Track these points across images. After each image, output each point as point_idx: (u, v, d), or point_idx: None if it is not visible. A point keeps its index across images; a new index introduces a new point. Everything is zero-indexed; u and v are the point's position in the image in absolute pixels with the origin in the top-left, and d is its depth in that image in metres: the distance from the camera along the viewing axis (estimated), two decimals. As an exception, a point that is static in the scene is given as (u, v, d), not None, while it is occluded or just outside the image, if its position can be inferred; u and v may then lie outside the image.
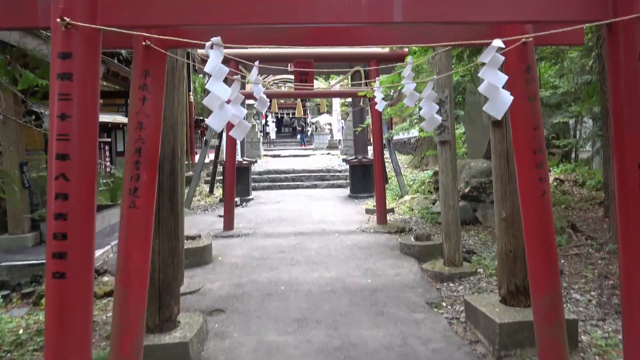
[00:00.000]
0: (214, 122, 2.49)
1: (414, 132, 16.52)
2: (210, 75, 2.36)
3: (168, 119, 3.46)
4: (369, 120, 10.91)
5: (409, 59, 3.95)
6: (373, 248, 6.44)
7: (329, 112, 35.07)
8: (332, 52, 7.66)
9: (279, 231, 7.86)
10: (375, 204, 9.72)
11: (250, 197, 11.81)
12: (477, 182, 8.06)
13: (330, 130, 27.86)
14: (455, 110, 9.37)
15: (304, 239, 7.16)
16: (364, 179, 11.67)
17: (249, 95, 10.93)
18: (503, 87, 2.19)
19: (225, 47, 2.20)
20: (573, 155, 12.92)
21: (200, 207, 10.86)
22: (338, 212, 9.68)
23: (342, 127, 12.61)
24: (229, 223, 7.86)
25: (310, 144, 29.55)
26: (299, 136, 30.98)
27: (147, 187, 2.63)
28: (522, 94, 2.52)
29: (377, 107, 5.68)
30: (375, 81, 6.34)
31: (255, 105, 5.30)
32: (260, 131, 33.39)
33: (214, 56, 2.42)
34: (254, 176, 14.48)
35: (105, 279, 5.69)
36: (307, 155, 22.19)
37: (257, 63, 4.89)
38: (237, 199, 10.87)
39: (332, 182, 14.26)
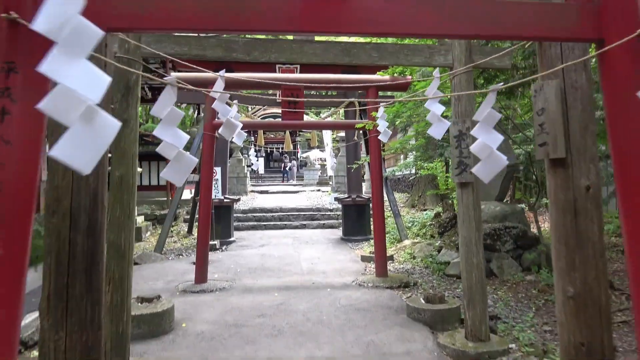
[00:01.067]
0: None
1: (410, 168, 15.65)
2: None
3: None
4: (365, 156, 9.96)
5: (434, 71, 2.97)
6: (374, 311, 5.27)
7: (320, 147, 34.33)
8: (324, 78, 6.72)
9: (260, 284, 6.67)
10: (372, 250, 8.61)
11: (231, 239, 10.61)
12: (491, 228, 7.01)
13: (322, 165, 26.93)
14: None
15: (290, 295, 5.97)
16: (359, 220, 10.58)
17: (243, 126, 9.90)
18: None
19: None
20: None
21: (174, 250, 9.63)
22: (330, 259, 8.52)
23: (334, 163, 11.55)
24: (201, 274, 6.65)
25: (290, 179, 28.75)
26: (295, 170, 30.31)
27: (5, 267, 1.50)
28: None
29: (381, 137, 4.68)
30: (378, 108, 5.38)
31: (219, 131, 4.13)
32: (248, 166, 32.48)
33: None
34: (238, 215, 13.32)
35: (35, 353, 4.44)
36: (297, 192, 21.13)
37: (222, 72, 3.89)
38: (216, 242, 9.69)
39: (322, 222, 13.14)
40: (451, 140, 4.16)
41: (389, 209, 13.21)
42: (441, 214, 10.07)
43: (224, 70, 4.04)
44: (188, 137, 2.12)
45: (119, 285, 3.73)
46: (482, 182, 6.92)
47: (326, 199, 16.73)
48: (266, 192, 21.06)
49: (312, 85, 6.74)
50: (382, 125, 4.28)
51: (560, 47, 2.56)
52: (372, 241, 10.07)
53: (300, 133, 36.56)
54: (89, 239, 2.43)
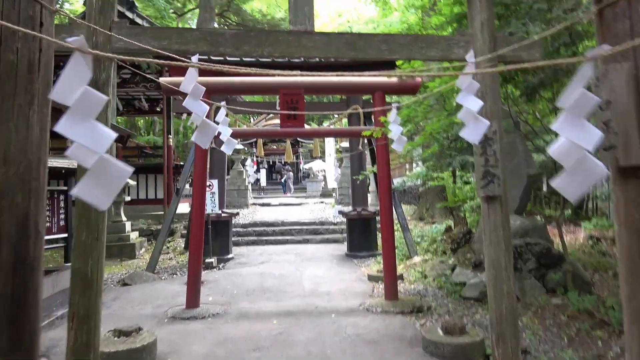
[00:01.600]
0: (86, 192, 1.90)
1: (416, 181, 15.05)
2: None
3: (10, 164, 1.81)
4: (372, 167, 9.39)
5: (468, 55, 2.40)
6: (384, 342, 4.64)
7: (323, 157, 33.79)
8: (326, 81, 6.17)
9: (258, 309, 6.04)
10: (380, 268, 7.98)
11: (230, 255, 10.00)
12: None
13: (324, 177, 26.34)
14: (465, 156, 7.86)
15: (290, 323, 5.34)
16: (364, 235, 9.95)
17: (240, 134, 9.38)
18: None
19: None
20: (591, 206, 11.41)
21: (168, 269, 9.02)
22: (334, 278, 7.89)
23: (338, 175, 10.93)
24: (193, 298, 6.04)
25: (287, 192, 28.35)
26: (291, 183, 29.82)
27: None
28: None
29: (394, 145, 4.10)
30: (386, 114, 4.82)
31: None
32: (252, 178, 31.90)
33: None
34: (238, 229, 12.72)
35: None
36: (299, 204, 20.51)
37: (223, 104, 3.24)
38: (213, 260, 9.09)
39: (326, 236, 12.51)
40: (475, 146, 3.57)
41: (397, 222, 12.60)
42: (452, 228, 9.44)
43: (196, 56, 3.34)
44: (114, 135, 1.69)
45: (84, 320, 3.15)
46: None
47: (330, 211, 16.10)
48: (268, 204, 20.45)
49: (313, 88, 6.20)
50: (396, 131, 3.71)
51: (629, 19, 1.98)
52: (379, 258, 9.44)
53: (303, 144, 36.09)
54: (15, 278, 1.85)
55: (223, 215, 9.74)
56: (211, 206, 9.07)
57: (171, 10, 29.84)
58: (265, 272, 8.48)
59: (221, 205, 9.96)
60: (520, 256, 6.29)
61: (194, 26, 27.76)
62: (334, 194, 25.37)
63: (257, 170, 34.57)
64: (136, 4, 16.29)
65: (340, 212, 10.52)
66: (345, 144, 19.55)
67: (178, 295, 6.70)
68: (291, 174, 31.61)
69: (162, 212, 13.84)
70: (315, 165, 28.24)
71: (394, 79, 6.21)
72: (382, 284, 7.25)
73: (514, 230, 6.64)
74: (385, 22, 28.04)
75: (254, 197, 26.05)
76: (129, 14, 15.60)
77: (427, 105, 5.86)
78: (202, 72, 6.29)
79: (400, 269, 8.21)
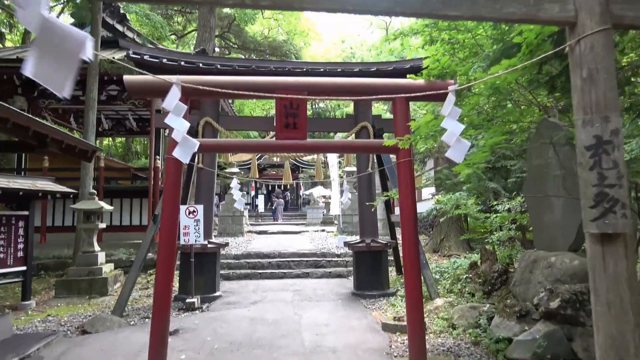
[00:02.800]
0: (180, 153, 3.73)
1: (427, 205, 13.69)
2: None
3: None
4: (393, 191, 8.11)
5: (450, 87, 1.41)
6: None
7: (324, 184, 32.49)
8: (334, 82, 4.91)
9: (243, 375, 4.60)
10: (397, 314, 6.57)
11: (216, 293, 8.55)
12: (569, 291, 4.98)
13: (326, 204, 24.98)
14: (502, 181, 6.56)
15: (284, 401, 3.90)
16: (374, 271, 8.53)
17: (225, 148, 8.13)
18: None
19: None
20: None
21: (141, 310, 7.58)
22: (340, 326, 6.44)
23: (349, 199, 9.54)
24: (157, 360, 4.61)
25: (278, 219, 27.20)
26: (281, 209, 28.71)
27: None
28: None
29: (450, 154, 2.80)
30: (408, 124, 3.54)
31: (174, 152, 3.91)
32: (247, 204, 30.59)
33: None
34: (230, 261, 11.29)
35: None
36: (299, 232, 19.11)
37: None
38: (195, 299, 7.66)
39: (328, 269, 11.06)
40: (580, 154, 2.26)
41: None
42: (478, 264, 8.04)
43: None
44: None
45: None
46: (542, 223, 4.86)
47: (332, 241, 14.69)
48: (265, 232, 19.04)
49: (319, 90, 4.93)
50: (453, 129, 2.44)
51: None
52: (392, 299, 8.01)
53: (303, 169, 34.90)
54: None
55: (209, 246, 8.35)
56: (194, 236, 7.70)
57: (170, 33, 29.16)
58: (257, 317, 7.03)
59: (208, 234, 8.57)
60: (582, 306, 4.89)
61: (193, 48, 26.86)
62: (336, 222, 23.96)
63: (256, 196, 33.30)
64: (127, 17, 15.32)
65: (346, 244, 9.11)
66: (350, 168, 18.29)
67: (143, 351, 5.25)
68: (282, 200, 30.24)
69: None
70: (316, 192, 26.91)
71: (420, 81, 4.94)
72: (401, 337, 5.83)
73: (571, 272, 5.26)
74: (389, 48, 27.35)
75: (251, 224, 24.65)
76: (119, 27, 14.61)
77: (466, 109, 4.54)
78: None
79: (420, 314, 6.80)
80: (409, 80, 4.96)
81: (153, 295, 5.00)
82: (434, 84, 4.87)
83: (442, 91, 4.78)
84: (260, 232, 18.95)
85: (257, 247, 12.90)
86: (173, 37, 28.41)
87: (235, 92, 4.91)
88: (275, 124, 4.84)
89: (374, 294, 8.33)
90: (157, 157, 13.69)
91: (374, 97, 4.92)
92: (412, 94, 4.92)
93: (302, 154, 9.62)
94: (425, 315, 6.71)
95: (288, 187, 37.15)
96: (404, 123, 4.81)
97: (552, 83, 4.36)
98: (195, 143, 3.97)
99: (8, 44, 21.33)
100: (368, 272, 8.56)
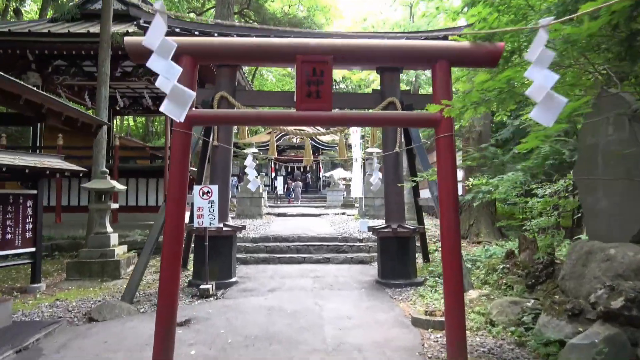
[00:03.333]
0: (169, 109, 3.24)
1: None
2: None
3: None
4: (427, 172, 7.46)
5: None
6: None
7: (344, 166, 31.78)
8: (366, 44, 4.24)
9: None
10: (427, 307, 5.98)
11: (232, 279, 8.08)
12: (635, 289, 4.29)
13: (346, 186, 24.36)
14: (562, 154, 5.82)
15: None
16: (401, 258, 7.92)
17: (237, 119, 7.63)
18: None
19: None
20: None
21: (153, 296, 7.17)
22: (365, 320, 5.88)
23: (379, 179, 8.74)
24: (162, 356, 4.13)
25: (295, 201, 26.75)
26: (299, 191, 28.40)
27: None
28: None
29: (536, 114, 2.14)
30: (449, 91, 2.88)
31: (162, 107, 3.27)
32: (266, 185, 30.20)
33: (156, 26, 3.10)
34: (247, 244, 10.83)
35: None
36: (319, 215, 18.60)
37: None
38: (209, 285, 7.21)
39: (350, 255, 10.50)
40: None
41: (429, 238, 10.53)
42: (516, 253, 7.35)
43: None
44: (180, 69, 3.17)
45: None
46: (596, 208, 3.99)
47: (353, 224, 14.11)
48: (284, 214, 18.58)
49: (347, 55, 4.28)
50: (544, 79, 1.79)
51: None
52: (420, 289, 7.41)
53: (323, 150, 34.26)
54: None
55: (225, 229, 7.85)
56: (209, 219, 7.19)
57: (188, 10, 28.54)
58: (275, 306, 6.52)
59: (223, 217, 8.07)
60: (650, 308, 4.21)
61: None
62: (357, 205, 23.35)
63: (275, 178, 32.88)
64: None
65: (370, 229, 8.49)
66: (373, 149, 17.58)
67: (150, 344, 4.78)
68: (300, 182, 29.76)
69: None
70: (336, 174, 26.30)
71: (465, 43, 4.23)
72: (434, 334, 5.24)
73: (635, 267, 4.56)
74: (413, 26, 26.19)
75: (270, 206, 24.27)
76: (135, 0, 14.05)
77: (509, 74, 3.79)
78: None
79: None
80: (452, 43, 4.24)
81: (159, 284, 4.50)
82: (481, 46, 4.15)
83: (490, 50, 4.10)
84: (279, 215, 18.51)
85: (276, 231, 12.40)
86: (192, 14, 27.84)
87: (249, 56, 4.29)
88: (295, 95, 4.22)
89: (400, 283, 7.74)
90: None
91: (412, 62, 4.23)
92: (457, 58, 4.24)
93: (322, 134, 8.95)
94: (458, 309, 6.11)
95: (308, 168, 36.64)
96: (445, 92, 4.13)
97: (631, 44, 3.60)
98: (191, 93, 3.28)
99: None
100: (394, 260, 7.95)
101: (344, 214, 18.88)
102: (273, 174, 33.57)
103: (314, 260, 10.30)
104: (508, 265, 7.01)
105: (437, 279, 7.80)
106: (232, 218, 16.07)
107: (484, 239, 10.74)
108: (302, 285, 7.98)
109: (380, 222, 14.28)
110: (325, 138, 33.54)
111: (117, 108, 17.57)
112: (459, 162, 11.42)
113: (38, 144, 13.24)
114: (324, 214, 18.78)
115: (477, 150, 11.35)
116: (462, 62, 4.39)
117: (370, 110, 8.39)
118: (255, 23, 25.82)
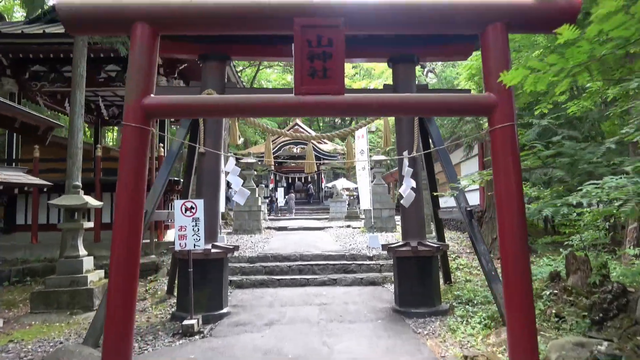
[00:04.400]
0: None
1: (473, 198, 11.74)
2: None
3: None
4: (475, 175, 6.30)
5: None
6: None
7: (346, 175, 30.59)
8: (390, 3, 3.08)
9: None
10: (459, 341, 4.75)
11: (223, 310, 6.84)
12: None
13: (353, 197, 23.16)
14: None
15: None
16: (423, 281, 6.70)
17: (225, 109, 6.49)
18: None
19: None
20: None
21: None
22: (387, 366, 4.64)
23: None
24: None
25: (287, 213, 25.60)
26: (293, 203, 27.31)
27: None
28: None
29: None
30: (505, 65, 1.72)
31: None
32: (266, 197, 28.98)
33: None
34: (243, 265, 9.61)
35: None
36: (322, 228, 17.38)
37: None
38: (194, 321, 5.97)
39: (359, 275, 9.27)
40: None
41: (449, 255, 9.33)
42: (562, 275, 6.13)
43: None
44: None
45: None
46: None
47: (360, 239, 12.88)
48: (285, 228, 17.36)
49: (363, 16, 3.11)
50: None
51: None
52: (447, 319, 6.18)
53: (325, 160, 33.13)
54: None
55: (214, 251, 6.63)
56: (193, 240, 5.99)
57: None
58: (273, 348, 5.28)
59: (212, 236, 6.86)
60: None
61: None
62: (362, 216, 22.09)
63: (275, 189, 31.69)
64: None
65: (384, 248, 7.26)
66: (379, 157, 16.38)
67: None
68: (293, 195, 28.66)
69: (149, 240, 10.88)
70: (339, 184, 25.12)
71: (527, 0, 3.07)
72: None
73: None
74: None
75: (270, 219, 23.06)
76: None
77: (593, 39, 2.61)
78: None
79: (488, 345, 4.98)
80: (509, 1, 3.09)
81: (104, 325, 3.30)
82: (549, 2, 2.99)
83: (562, 5, 2.93)
84: (279, 229, 17.29)
85: (276, 248, 11.18)
86: None
87: (227, 21, 3.12)
88: (294, 75, 3.06)
89: (422, 311, 6.50)
90: (162, 145, 12.09)
91: (452, 28, 3.07)
92: (517, 19, 3.07)
93: (325, 137, 7.74)
94: (495, 348, 4.91)
95: (309, 179, 35.46)
96: (502, 62, 2.96)
97: None
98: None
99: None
100: (414, 283, 6.73)
101: (348, 226, 17.67)
102: (272, 185, 32.39)
103: (319, 282, 9.05)
104: (555, 291, 5.78)
105: (466, 306, 6.55)
106: (229, 234, 14.84)
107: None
108: (306, 316, 6.75)
109: (389, 237, 13.03)
110: (327, 147, 32.44)
111: (107, 118, 16.49)
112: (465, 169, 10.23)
113: (14, 157, 12.10)
114: (327, 227, 17.56)
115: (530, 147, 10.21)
116: (523, 25, 3.21)
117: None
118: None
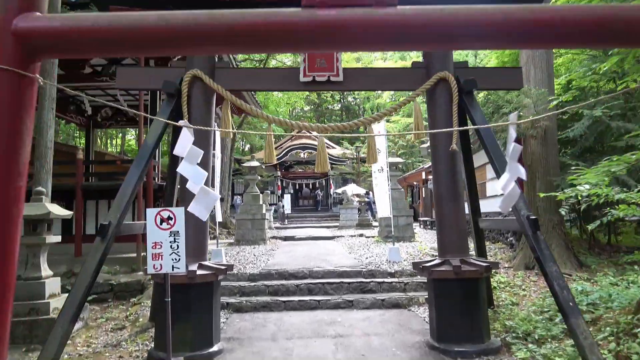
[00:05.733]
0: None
1: (494, 203, 10.26)
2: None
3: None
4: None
5: None
6: None
7: (356, 181, 29.14)
8: None
9: None
10: None
11: (213, 348, 5.39)
12: None
13: (363, 203, 21.69)
14: None
15: None
16: (467, 310, 5.23)
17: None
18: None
19: None
20: None
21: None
22: None
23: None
24: None
25: (277, 221, 24.19)
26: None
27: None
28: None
29: None
30: None
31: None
32: (272, 204, 27.60)
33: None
34: (243, 284, 8.20)
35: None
36: (332, 238, 15.98)
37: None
38: (173, 367, 4.54)
39: (380, 296, 7.81)
40: None
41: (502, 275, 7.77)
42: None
43: None
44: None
45: None
46: None
47: (376, 250, 11.43)
48: (292, 238, 15.97)
49: None
50: None
51: None
52: (507, 364, 4.70)
53: (334, 164, 31.73)
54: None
55: (201, 273, 5.21)
56: (171, 260, 4.58)
57: None
58: (275, 412, 3.85)
59: (199, 253, 5.46)
60: None
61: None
62: (374, 223, 20.61)
63: (281, 196, 30.30)
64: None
65: (417, 266, 5.76)
66: (394, 159, 14.92)
67: None
68: (288, 196, 27.11)
69: (135, 254, 9.50)
70: (349, 190, 23.68)
71: None
72: None
73: None
74: None
75: (277, 228, 21.70)
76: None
77: None
78: None
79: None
80: None
81: None
82: None
83: None
84: (286, 238, 15.90)
85: (281, 262, 9.75)
86: None
87: None
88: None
89: (468, 350, 5.03)
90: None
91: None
92: None
93: (339, 130, 6.28)
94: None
95: (317, 185, 34.06)
96: None
97: None
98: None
99: None
100: (456, 313, 5.26)
101: (361, 235, 16.23)
102: (280, 192, 31.04)
103: (332, 305, 7.60)
104: (655, 327, 4.29)
105: (527, 344, 5.06)
106: (230, 245, 13.44)
107: (561, 268, 8.00)
108: (319, 355, 5.30)
109: (408, 248, 11.40)
110: (335, 152, 31.07)
111: (99, 120, 15.25)
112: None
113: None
114: (338, 236, 16.14)
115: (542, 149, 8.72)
116: None
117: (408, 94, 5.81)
118: None
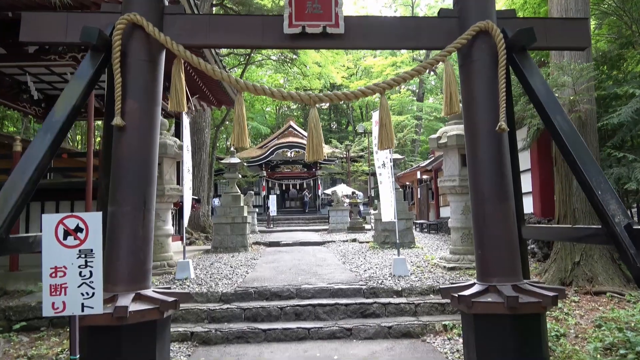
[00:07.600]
0: None
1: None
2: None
3: None
4: None
5: None
6: None
7: (346, 181, 27.57)
8: None
9: None
10: None
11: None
12: None
13: (352, 204, 20.12)
14: None
15: None
16: (526, 356, 3.62)
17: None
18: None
19: None
20: None
21: None
22: None
23: None
24: None
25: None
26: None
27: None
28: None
29: None
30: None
31: None
32: (256, 206, 25.95)
33: None
34: (212, 307, 6.53)
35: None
36: (322, 243, 14.37)
37: None
38: None
39: (385, 321, 6.20)
40: None
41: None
42: None
43: None
44: None
45: None
46: None
47: (374, 259, 9.85)
48: (277, 244, 14.31)
49: None
50: None
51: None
52: None
53: (322, 164, 30.13)
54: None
55: (139, 309, 3.51)
56: (80, 296, 2.91)
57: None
58: None
59: (137, 277, 3.76)
60: None
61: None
62: (367, 227, 19.06)
63: (267, 197, 28.60)
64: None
65: (449, 295, 4.11)
66: (394, 154, 13.33)
67: None
68: (274, 198, 25.34)
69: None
70: (340, 190, 22.10)
71: None
72: None
73: None
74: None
75: (261, 232, 20.02)
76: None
77: None
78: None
79: None
80: None
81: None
82: None
83: None
84: (270, 244, 14.25)
85: (263, 276, 8.09)
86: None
87: None
88: None
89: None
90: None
91: None
92: None
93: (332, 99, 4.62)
94: None
95: (304, 186, 32.44)
96: None
97: None
98: None
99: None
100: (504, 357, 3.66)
101: (354, 240, 14.66)
102: (264, 193, 29.33)
103: (326, 335, 5.97)
104: None
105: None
106: (206, 252, 11.72)
107: (605, 287, 6.49)
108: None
109: (411, 255, 9.54)
110: (324, 150, 29.46)
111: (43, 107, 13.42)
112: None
113: None
114: (328, 242, 14.53)
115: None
116: None
117: (434, 53, 4.24)
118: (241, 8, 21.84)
